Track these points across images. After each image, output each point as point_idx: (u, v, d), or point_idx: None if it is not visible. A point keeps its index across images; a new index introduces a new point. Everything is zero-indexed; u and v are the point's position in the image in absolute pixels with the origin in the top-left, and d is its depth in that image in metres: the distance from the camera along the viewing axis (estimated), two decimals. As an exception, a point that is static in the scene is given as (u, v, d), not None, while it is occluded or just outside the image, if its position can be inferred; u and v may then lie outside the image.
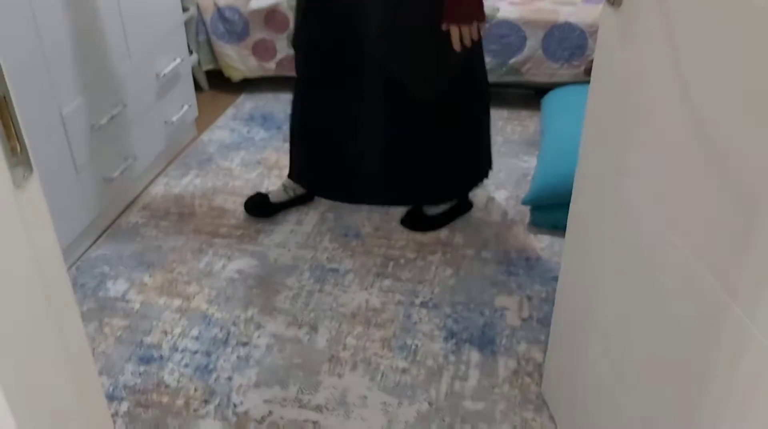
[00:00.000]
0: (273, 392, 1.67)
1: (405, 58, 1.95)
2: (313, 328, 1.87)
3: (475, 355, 1.78)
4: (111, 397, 1.67)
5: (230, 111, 3.10)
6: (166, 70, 2.52)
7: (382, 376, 1.72)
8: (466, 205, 2.35)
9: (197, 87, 3.18)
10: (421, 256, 2.15)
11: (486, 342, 1.82)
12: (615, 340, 1.24)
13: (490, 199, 2.43)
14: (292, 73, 2.21)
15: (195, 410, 1.63)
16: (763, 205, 0.78)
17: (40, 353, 0.71)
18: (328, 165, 2.20)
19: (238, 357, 1.78)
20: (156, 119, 2.52)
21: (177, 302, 1.96)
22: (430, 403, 1.65)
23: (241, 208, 2.36)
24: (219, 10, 3.11)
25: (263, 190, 2.39)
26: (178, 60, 2.61)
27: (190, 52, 3.11)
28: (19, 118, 0.63)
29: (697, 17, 0.90)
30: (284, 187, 2.36)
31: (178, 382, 1.71)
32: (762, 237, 0.79)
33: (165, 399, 1.66)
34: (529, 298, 1.97)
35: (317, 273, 2.08)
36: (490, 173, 2.29)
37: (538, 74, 2.99)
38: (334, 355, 1.78)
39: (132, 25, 2.29)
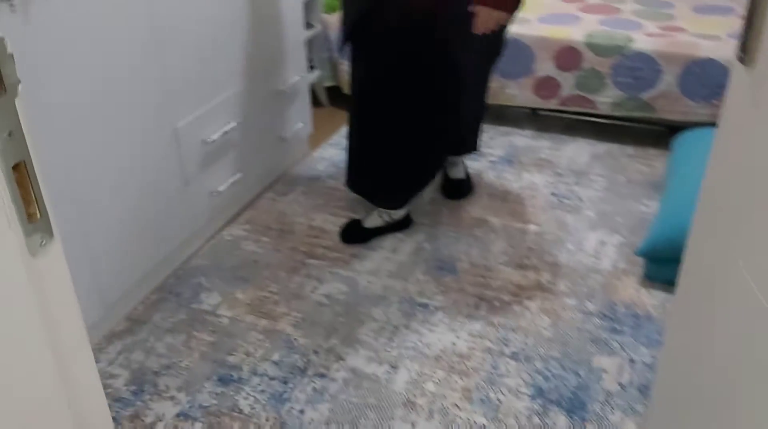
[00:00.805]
0: (343, 432, 1.62)
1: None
2: (394, 367, 1.80)
3: (562, 420, 1.64)
4: (186, 416, 1.68)
5: (345, 129, 3.10)
6: (285, 87, 2.54)
7: (457, 429, 1.62)
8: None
9: (317, 103, 3.21)
10: (517, 300, 2.02)
11: (576, 406, 1.68)
12: (724, 425, 1.07)
13: (602, 243, 2.26)
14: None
15: (263, 440, 1.61)
16: None
17: None
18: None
19: (314, 389, 1.74)
20: (269, 135, 2.55)
21: (263, 322, 1.96)
22: (505, 468, 1.53)
23: (339, 230, 2.34)
24: (343, 28, 3.12)
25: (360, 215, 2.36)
26: (297, 78, 2.63)
27: (312, 69, 3.14)
28: (41, 181, 0.60)
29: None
30: (378, 211, 2.31)
31: (252, 408, 1.69)
32: None
33: (236, 425, 1.65)
34: (632, 362, 1.79)
35: (405, 307, 2.01)
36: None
37: (672, 112, 2.76)
38: (410, 400, 1.70)
39: (254, 42, 2.32)
